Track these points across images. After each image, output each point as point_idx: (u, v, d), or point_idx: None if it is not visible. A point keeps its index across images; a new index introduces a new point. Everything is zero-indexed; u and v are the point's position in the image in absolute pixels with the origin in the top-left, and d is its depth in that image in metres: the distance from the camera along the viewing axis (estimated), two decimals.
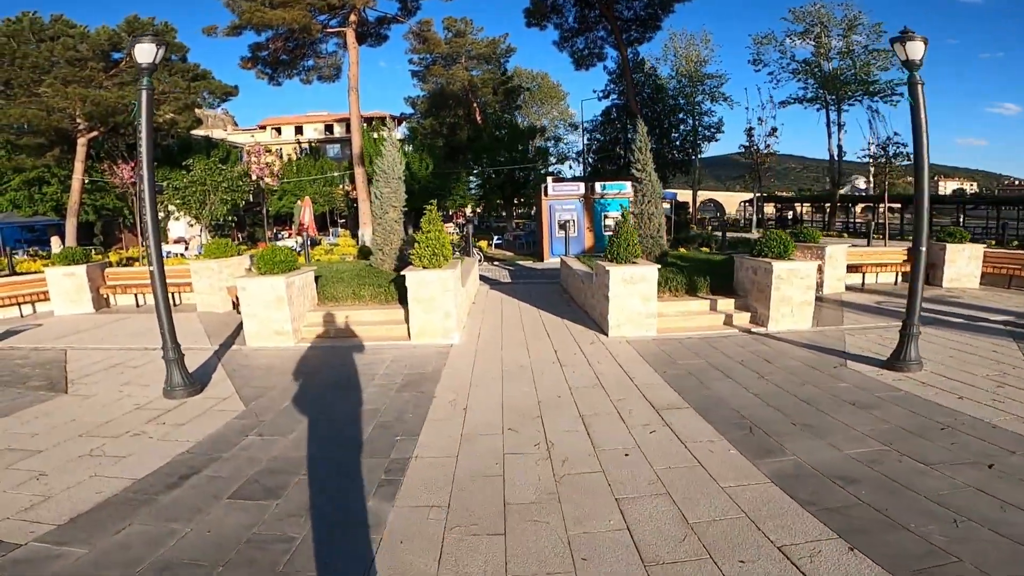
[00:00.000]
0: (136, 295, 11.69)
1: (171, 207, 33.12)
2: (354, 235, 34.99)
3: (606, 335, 8.60)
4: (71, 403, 5.83)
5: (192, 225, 27.41)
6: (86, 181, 24.35)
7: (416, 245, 8.62)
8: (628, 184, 23.50)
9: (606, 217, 22.86)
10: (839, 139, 34.48)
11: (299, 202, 34.43)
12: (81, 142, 24.50)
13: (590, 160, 38.59)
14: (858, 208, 41.29)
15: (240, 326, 9.64)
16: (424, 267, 8.50)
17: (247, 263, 11.56)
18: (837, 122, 34.35)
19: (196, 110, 30.07)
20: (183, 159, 31.32)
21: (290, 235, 33.65)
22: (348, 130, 58.78)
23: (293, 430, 5.00)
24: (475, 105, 43.83)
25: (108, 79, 25.49)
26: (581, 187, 22.82)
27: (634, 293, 8.53)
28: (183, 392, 5.91)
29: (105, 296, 11.70)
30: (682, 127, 36.25)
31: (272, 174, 20.42)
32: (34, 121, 23.10)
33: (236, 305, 10.61)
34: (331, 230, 36.59)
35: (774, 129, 28.65)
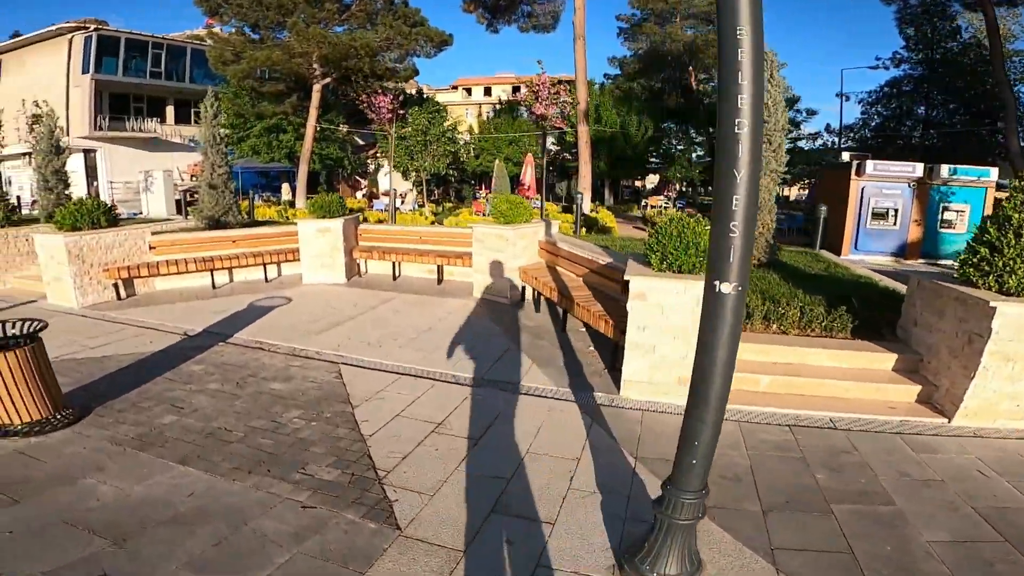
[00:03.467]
0: (395, 263, 8.80)
1: (382, 161, 32.86)
2: (559, 200, 31.70)
3: None
4: None
5: (408, 179, 26.04)
6: (318, 129, 23.73)
7: (989, 237, 4.05)
8: (993, 171, 16.57)
9: (945, 209, 16.28)
10: None
11: (498, 161, 31.90)
12: (316, 88, 24.01)
13: (865, 136, 30.46)
14: None
15: (561, 336, 6.04)
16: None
17: (540, 232, 7.97)
18: None
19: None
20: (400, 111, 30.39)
21: (486, 196, 31.37)
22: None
23: None
24: (691, 69, 37.62)
25: (341, 22, 24.65)
26: (917, 169, 16.39)
27: None
28: None
29: (356, 261, 9.03)
30: None
31: (563, 116, 16.03)
32: (278, 64, 22.76)
33: (540, 295, 7.11)
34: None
35: None
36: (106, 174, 23.15)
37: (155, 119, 25.18)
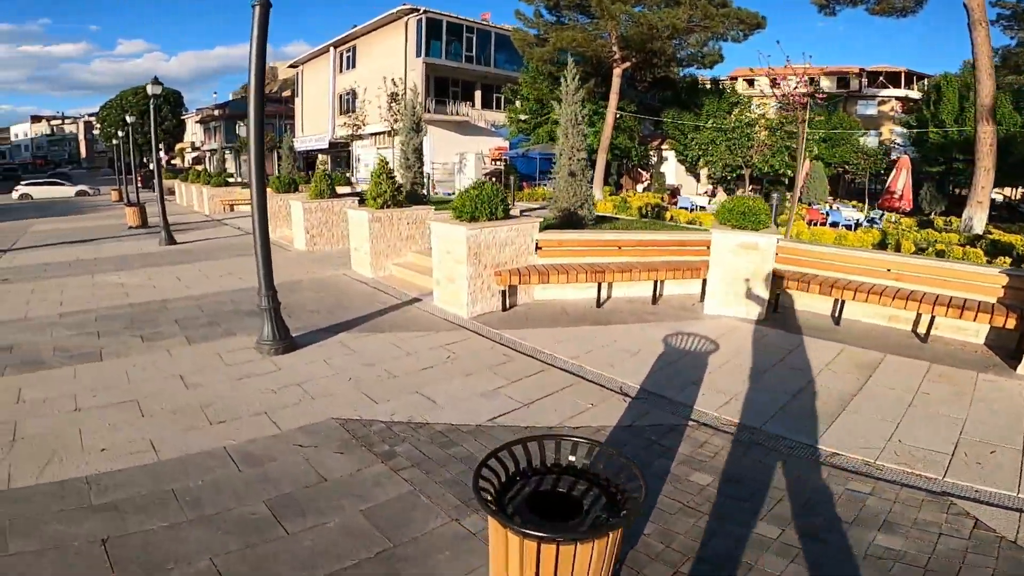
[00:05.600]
0: (839, 302, 5.95)
1: (667, 153, 30.08)
2: (916, 212, 24.89)
3: None
4: None
5: (711, 177, 22.94)
6: (618, 116, 22.07)
7: None
8: None
9: None
10: None
11: (809, 161, 26.26)
12: (616, 73, 22.40)
13: None
14: None
15: None
16: None
17: None
18: None
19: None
20: (693, 101, 27.19)
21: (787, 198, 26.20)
22: (873, 82, 45.00)
23: None
24: None
25: (639, 1, 22.42)
26: None
27: None
28: None
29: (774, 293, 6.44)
30: None
31: None
32: (581, 45, 21.65)
33: None
34: (836, 203, 25.70)
35: None
36: (429, 155, 25.02)
37: (467, 103, 26.44)
